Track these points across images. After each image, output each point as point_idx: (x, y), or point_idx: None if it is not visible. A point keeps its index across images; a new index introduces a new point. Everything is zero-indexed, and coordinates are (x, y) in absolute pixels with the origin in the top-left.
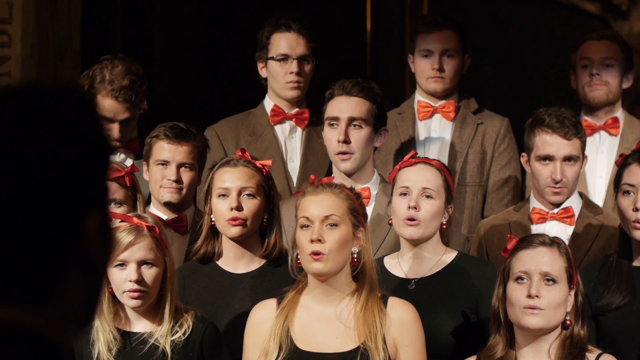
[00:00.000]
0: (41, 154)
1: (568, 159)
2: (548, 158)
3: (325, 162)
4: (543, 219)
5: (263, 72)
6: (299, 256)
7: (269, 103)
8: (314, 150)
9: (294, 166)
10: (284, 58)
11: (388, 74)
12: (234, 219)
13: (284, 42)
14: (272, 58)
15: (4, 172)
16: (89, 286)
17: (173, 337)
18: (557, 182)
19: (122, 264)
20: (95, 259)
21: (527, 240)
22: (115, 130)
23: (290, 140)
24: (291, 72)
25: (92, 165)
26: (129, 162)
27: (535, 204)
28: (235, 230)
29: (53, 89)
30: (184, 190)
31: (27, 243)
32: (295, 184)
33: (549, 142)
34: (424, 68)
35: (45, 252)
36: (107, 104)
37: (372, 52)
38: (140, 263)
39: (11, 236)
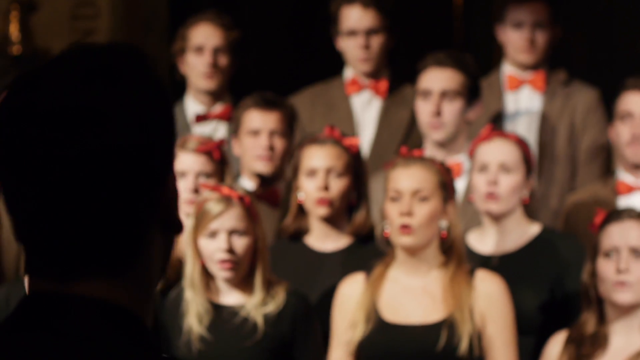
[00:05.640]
0: (128, 116)
1: None
2: (628, 115)
3: (399, 135)
4: (630, 190)
5: (338, 46)
6: (386, 228)
7: (346, 73)
8: (389, 123)
9: (366, 139)
10: (352, 32)
11: (476, 45)
12: (322, 200)
13: (350, 16)
14: (340, 33)
15: (92, 137)
16: (166, 249)
17: (264, 310)
18: (637, 138)
19: (213, 234)
20: (171, 222)
21: (615, 214)
22: (207, 55)
23: (367, 111)
24: (358, 47)
25: (171, 126)
26: (219, 134)
27: (621, 175)
28: (323, 211)
29: (123, 49)
30: (277, 160)
31: (116, 213)
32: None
33: (628, 99)
34: (514, 40)
35: (133, 221)
36: (199, 30)
37: (461, 23)
38: (231, 232)
39: (99, 207)
